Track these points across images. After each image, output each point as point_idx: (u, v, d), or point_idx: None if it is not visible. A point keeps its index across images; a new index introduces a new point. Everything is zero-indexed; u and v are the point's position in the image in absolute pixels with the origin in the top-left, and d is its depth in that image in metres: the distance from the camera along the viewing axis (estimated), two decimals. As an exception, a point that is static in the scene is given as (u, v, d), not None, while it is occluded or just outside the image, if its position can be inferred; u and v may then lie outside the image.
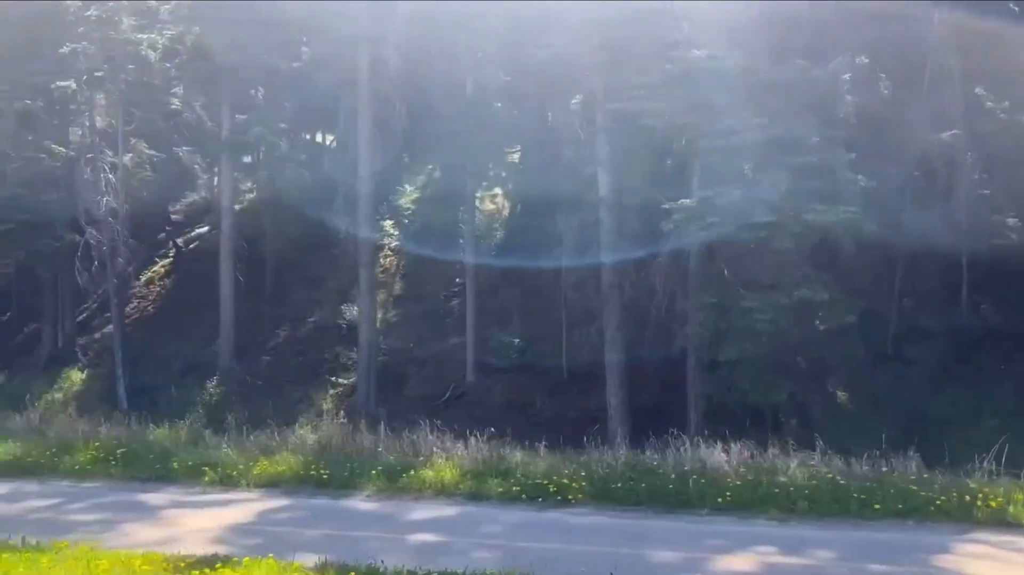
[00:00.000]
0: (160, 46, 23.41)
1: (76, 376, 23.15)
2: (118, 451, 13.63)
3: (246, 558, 8.75)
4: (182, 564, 8.80)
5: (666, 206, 16.19)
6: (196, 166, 29.49)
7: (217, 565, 8.54)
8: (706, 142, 15.81)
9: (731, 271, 15.47)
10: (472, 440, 13.56)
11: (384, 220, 26.97)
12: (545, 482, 12.05)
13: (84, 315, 25.84)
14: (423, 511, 11.47)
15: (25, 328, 26.28)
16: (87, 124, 22.71)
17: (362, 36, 21.02)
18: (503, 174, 25.71)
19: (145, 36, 23.20)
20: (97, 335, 25.22)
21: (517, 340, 21.71)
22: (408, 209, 29.05)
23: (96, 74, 22.36)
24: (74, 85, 22.04)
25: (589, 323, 20.99)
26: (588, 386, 20.92)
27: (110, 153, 22.98)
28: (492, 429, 16.29)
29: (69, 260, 23.21)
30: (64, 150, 22.48)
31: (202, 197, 31.61)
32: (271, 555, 8.83)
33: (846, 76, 15.44)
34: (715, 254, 15.75)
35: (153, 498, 12.25)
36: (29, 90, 22.01)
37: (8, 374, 23.79)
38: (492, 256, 23.93)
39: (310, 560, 9.01)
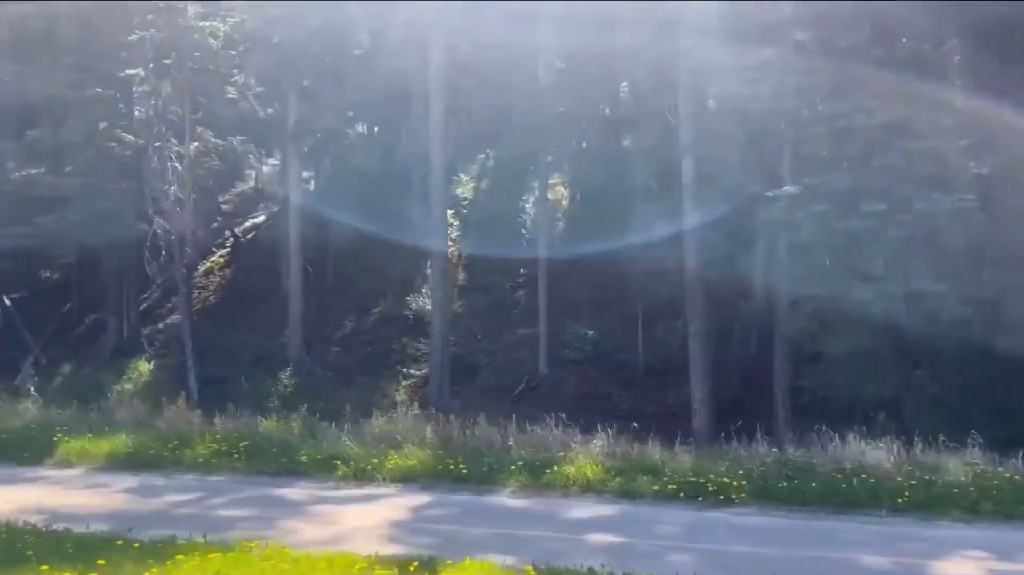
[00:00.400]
0: (221, 34, 23.17)
1: (143, 366, 23.03)
2: (240, 444, 13.38)
3: (466, 560, 8.45)
4: (395, 566, 8.43)
5: (770, 193, 15.70)
6: (251, 155, 29.27)
7: (439, 568, 8.22)
8: (809, 128, 15.30)
9: (836, 261, 14.97)
10: (602, 436, 13.25)
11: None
12: (702, 480, 11.69)
13: (145, 305, 25.72)
14: (581, 510, 11.17)
15: (86, 318, 26.21)
16: (153, 113, 22.47)
17: (434, 22, 20.63)
18: (564, 164, 25.29)
19: (207, 24, 22.97)
20: (161, 325, 25.10)
21: (592, 332, 21.34)
22: (465, 199, 28.76)
23: (164, 62, 22.12)
24: (142, 72, 21.81)
25: (667, 315, 20.62)
26: (666, 380, 20.57)
27: (175, 142, 22.78)
28: (565, 418, 16.00)
29: (135, 250, 23.07)
30: (133, 138, 22.27)
31: (251, 187, 31.49)
32: (491, 557, 8.55)
33: (956, 59, 14.89)
34: (817, 244, 15.24)
35: (291, 493, 11.98)
36: (99, 78, 21.81)
37: (75, 364, 23.72)
38: (559, 246, 23.54)
39: (502, 561, 8.66)
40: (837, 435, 14.21)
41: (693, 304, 18.66)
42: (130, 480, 12.68)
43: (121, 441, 14.03)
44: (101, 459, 13.83)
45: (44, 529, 9.85)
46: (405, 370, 21.80)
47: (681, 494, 11.64)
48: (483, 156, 29.98)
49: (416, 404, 20.34)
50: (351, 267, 25.13)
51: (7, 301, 26.41)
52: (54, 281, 28.20)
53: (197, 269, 26.28)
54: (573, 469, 12.03)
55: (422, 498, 11.45)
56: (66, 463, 13.86)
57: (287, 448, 13.31)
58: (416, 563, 8.54)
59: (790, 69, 15.61)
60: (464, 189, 28.93)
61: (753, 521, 10.75)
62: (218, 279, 26.61)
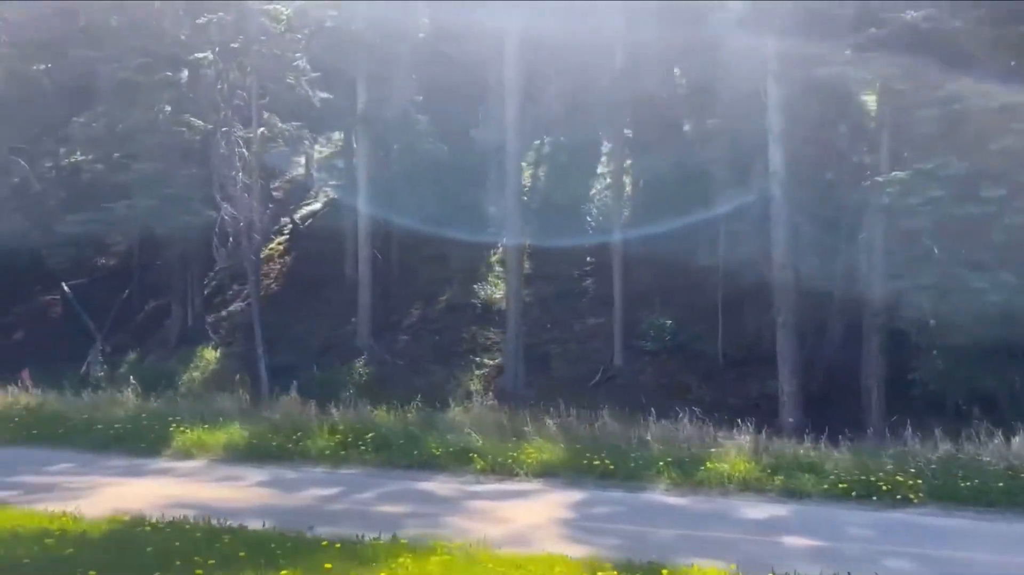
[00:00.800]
0: (284, 17, 22.82)
1: (210, 355, 22.84)
2: (366, 435, 13.05)
3: (694, 566, 8.07)
4: (616, 570, 8.12)
5: (879, 178, 15.16)
6: (306, 141, 28.94)
7: (663, 571, 7.88)
8: (918, 111, 14.74)
9: (946, 250, 14.45)
10: (743, 429, 12.90)
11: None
12: (873, 479, 11.25)
13: (206, 292, 25.54)
14: (751, 509, 10.76)
15: (146, 305, 26.08)
16: (220, 98, 22.16)
17: (510, 5, 20.14)
18: (633, 149, 24.76)
19: (271, 6, 22.61)
20: (224, 313, 24.91)
21: (670, 322, 20.89)
22: (524, 186, 28.29)
23: (232, 46, 21.79)
24: (211, 56, 21.50)
25: (747, 305, 20.15)
26: (746, 371, 20.13)
27: (240, 127, 22.49)
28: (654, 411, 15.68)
29: (200, 236, 22.85)
30: (203, 123, 21.99)
31: (300, 174, 31.19)
32: (702, 563, 8.23)
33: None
34: (927, 231, 14.71)
35: (435, 487, 11.63)
36: (168, 62, 21.53)
37: (140, 352, 23.58)
38: (630, 234, 23.03)
39: (724, 567, 8.35)
40: (937, 430, 13.78)
41: (782, 295, 18.17)
42: (259, 473, 12.39)
43: (237, 432, 13.77)
44: (219, 451, 13.56)
45: (236, 527, 9.45)
46: (478, 359, 21.46)
47: (853, 493, 11.19)
48: (538, 142, 29.51)
49: (491, 394, 20.05)
50: (413, 255, 24.82)
51: (66, 288, 26.34)
52: (110, 268, 28.11)
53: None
54: (726, 466, 11.62)
55: (574, 495, 11.06)
56: (184, 454, 13.62)
57: (413, 440, 12.96)
58: (641, 571, 8.19)
59: (898, 50, 15.03)
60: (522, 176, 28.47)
61: (943, 522, 10.25)
62: (278, 266, 26.37)
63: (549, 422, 13.93)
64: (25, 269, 25.73)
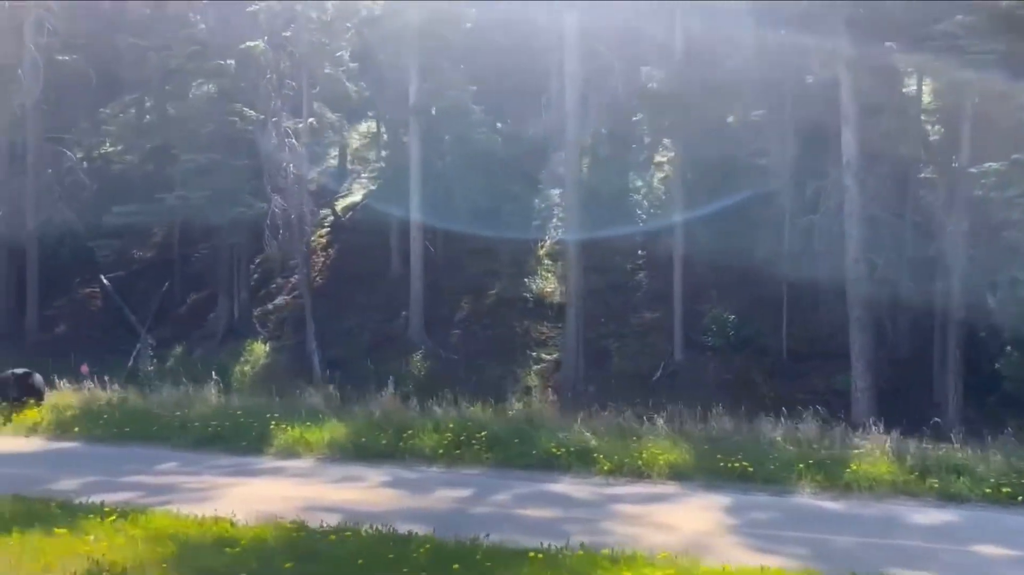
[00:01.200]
0: (331, 6, 22.41)
1: (260, 348, 22.49)
2: (479, 434, 12.64)
3: None
4: None
5: (973, 169, 14.74)
6: (344, 132, 28.53)
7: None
8: (1014, 99, 14.32)
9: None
10: (875, 429, 12.50)
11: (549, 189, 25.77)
12: None
13: (251, 284, 25.17)
14: (916, 514, 10.33)
15: (187, 299, 25.73)
16: (271, 88, 21.75)
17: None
18: (685, 139, 24.31)
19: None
20: (270, 306, 24.53)
21: (733, 316, 20.50)
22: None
23: (284, 34, 21.40)
24: (262, 45, 21.09)
25: (813, 299, 19.77)
26: (811, 367, 19.75)
27: (287, 116, 22.10)
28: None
29: (248, 228, 22.49)
30: (255, 114, 21.59)
31: (332, 165, 30.78)
32: None
33: None
34: (1019, 224, 14.31)
35: (568, 489, 11.15)
36: (219, 51, 21.13)
37: (186, 346, 23.23)
38: (683, 226, 22.57)
39: None
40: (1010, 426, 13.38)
41: (856, 289, 17.78)
42: (376, 472, 11.94)
43: (338, 429, 13.41)
44: (324, 449, 13.15)
45: (410, 535, 8.95)
46: (533, 354, 21.10)
47: (1020, 498, 10.75)
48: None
49: (550, 390, 19.71)
50: (459, 248, 24.40)
51: (105, 281, 26.00)
52: (147, 260, 27.75)
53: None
54: (869, 467, 11.21)
55: (719, 498, 10.65)
56: (290, 453, 13.22)
57: (527, 439, 12.52)
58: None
59: (990, 36, 14.60)
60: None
61: None
62: (322, 259, 25.97)
63: (659, 421, 13.50)
64: (67, 262, 25.40)
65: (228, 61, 21.05)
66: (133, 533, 8.82)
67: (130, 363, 22.40)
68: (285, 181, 21.45)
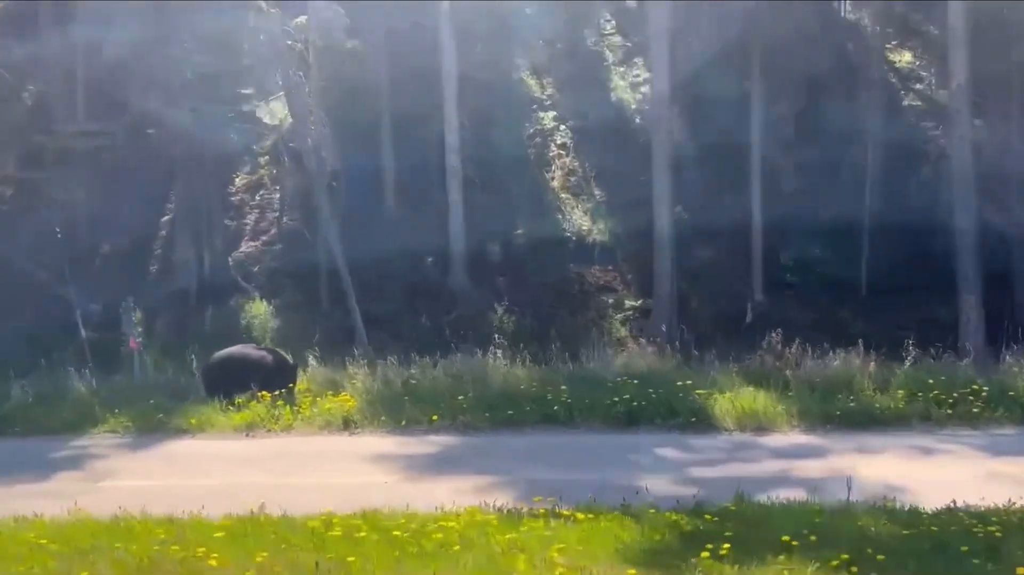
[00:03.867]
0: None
1: (259, 308, 18.18)
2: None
3: None
4: None
5: None
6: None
7: None
8: None
9: None
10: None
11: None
12: None
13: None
14: None
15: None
16: None
17: None
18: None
19: None
20: (248, 248, 20.09)
21: (817, 251, 19.27)
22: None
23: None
24: None
25: (898, 230, 18.88)
26: (899, 300, 18.89)
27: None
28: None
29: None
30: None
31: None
32: None
33: None
34: None
35: None
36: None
37: (144, 312, 18.24)
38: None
39: None
40: None
41: (963, 210, 17.05)
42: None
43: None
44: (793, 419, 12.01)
45: None
46: (609, 300, 18.77)
47: None
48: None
49: (642, 340, 17.57)
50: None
51: None
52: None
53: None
54: None
55: None
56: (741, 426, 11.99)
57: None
58: None
59: None
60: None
61: None
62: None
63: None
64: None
65: None
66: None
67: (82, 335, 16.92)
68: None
